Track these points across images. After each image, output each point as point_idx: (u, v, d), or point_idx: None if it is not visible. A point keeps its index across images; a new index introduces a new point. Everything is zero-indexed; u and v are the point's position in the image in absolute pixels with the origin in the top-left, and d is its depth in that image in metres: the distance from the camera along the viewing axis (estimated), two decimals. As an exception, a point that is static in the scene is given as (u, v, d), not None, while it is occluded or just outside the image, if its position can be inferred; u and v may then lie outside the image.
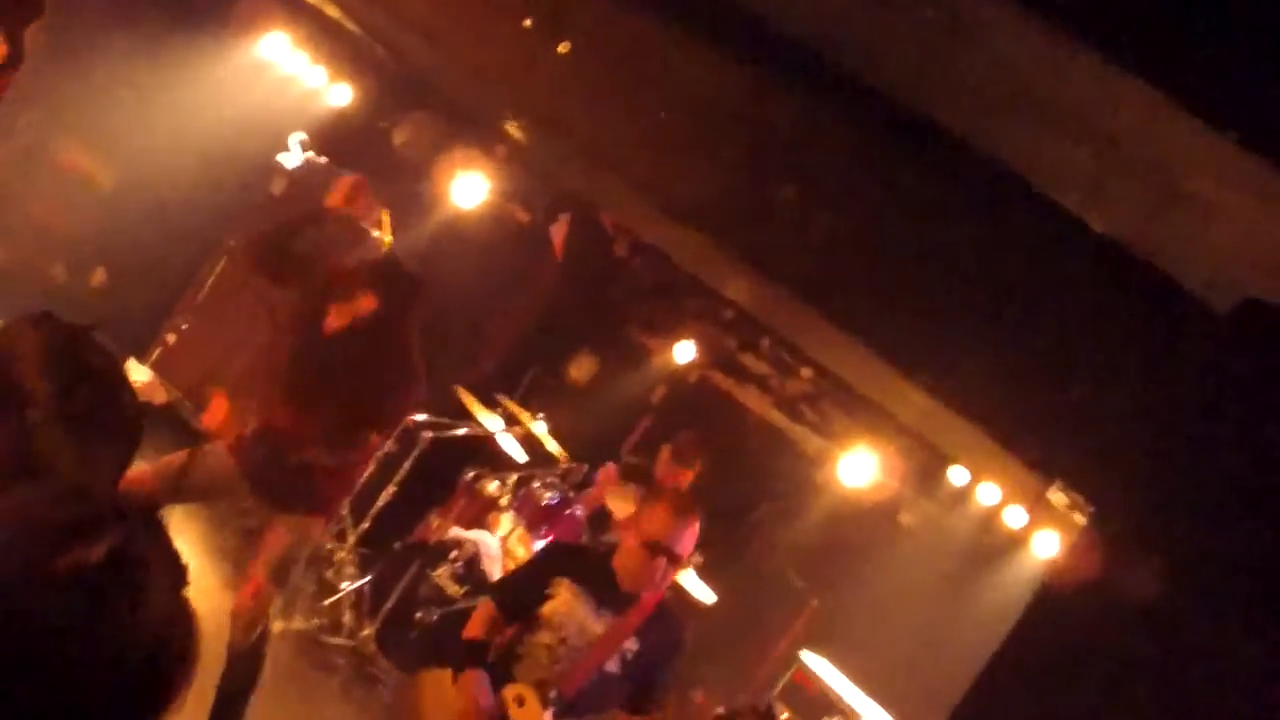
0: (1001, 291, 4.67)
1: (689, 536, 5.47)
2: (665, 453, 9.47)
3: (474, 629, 5.43)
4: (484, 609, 5.52)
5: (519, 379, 10.94)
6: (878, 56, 4.06)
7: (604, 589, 5.42)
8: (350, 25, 9.48)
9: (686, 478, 9.43)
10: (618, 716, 5.36)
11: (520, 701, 5.15)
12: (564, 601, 5.37)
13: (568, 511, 9.09)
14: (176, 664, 1.83)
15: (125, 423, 2.61)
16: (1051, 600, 4.77)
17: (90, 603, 1.73)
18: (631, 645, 5.36)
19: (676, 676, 5.77)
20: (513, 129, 8.80)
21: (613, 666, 5.32)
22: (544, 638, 5.33)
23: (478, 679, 5.15)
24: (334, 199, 6.36)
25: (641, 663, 5.39)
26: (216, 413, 6.67)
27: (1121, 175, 3.64)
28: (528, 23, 6.03)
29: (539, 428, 9.22)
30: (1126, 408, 4.47)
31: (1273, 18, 2.85)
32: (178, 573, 1.89)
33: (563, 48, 5.92)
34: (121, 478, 2.63)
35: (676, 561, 5.48)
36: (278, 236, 6.37)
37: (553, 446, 9.28)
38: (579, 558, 5.81)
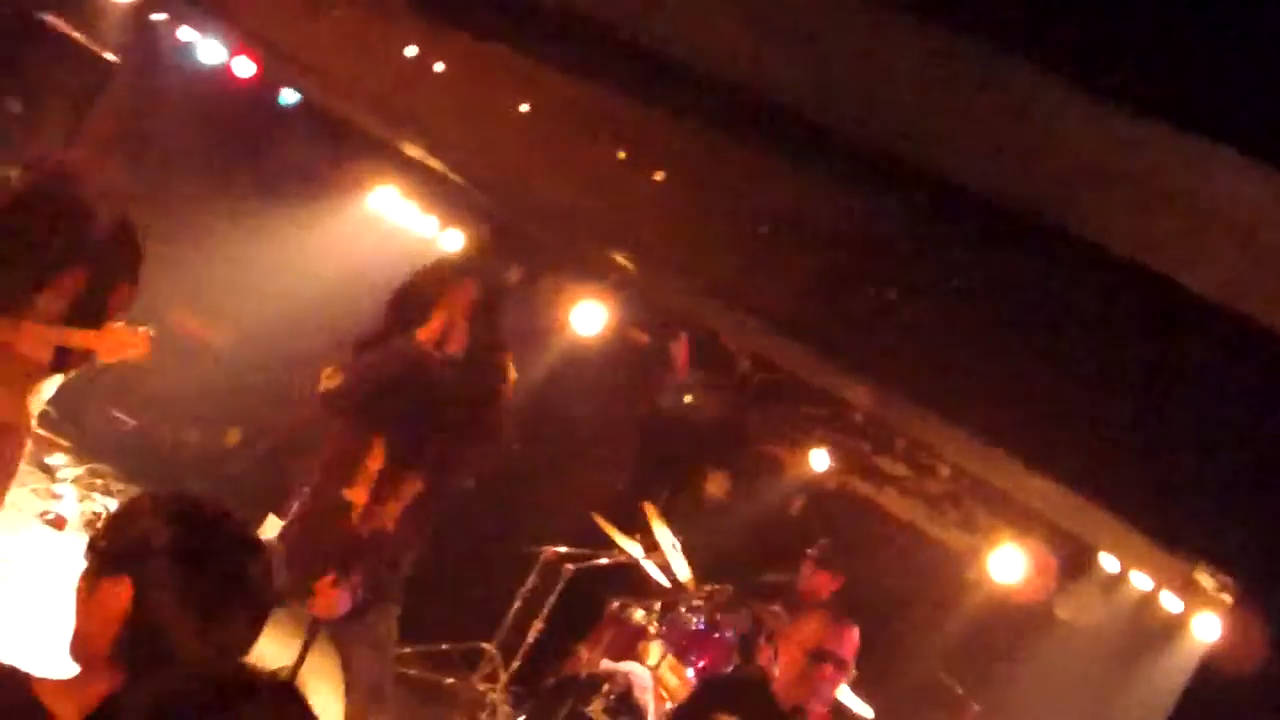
0: (1113, 374, 4.58)
1: (849, 641, 5.35)
2: (808, 562, 9.35)
3: None
4: None
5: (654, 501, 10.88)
6: (953, 150, 4.05)
7: (766, 717, 5.32)
8: (454, 176, 9.70)
9: (831, 584, 9.28)
10: None
11: None
12: None
13: (716, 635, 8.97)
14: None
15: (251, 604, 2.55)
16: (1205, 684, 4.63)
17: None
18: (802, 770, 5.24)
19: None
20: (619, 257, 8.90)
21: None
22: (716, 773, 5.24)
23: None
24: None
25: None
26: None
27: (1208, 236, 3.58)
28: (621, 155, 6.12)
29: (673, 553, 9.12)
30: (1258, 481, 4.34)
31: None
32: None
33: (658, 176, 5.99)
34: (245, 655, 2.53)
35: (842, 667, 5.33)
36: None
37: (682, 572, 9.14)
38: (735, 688, 5.71)
